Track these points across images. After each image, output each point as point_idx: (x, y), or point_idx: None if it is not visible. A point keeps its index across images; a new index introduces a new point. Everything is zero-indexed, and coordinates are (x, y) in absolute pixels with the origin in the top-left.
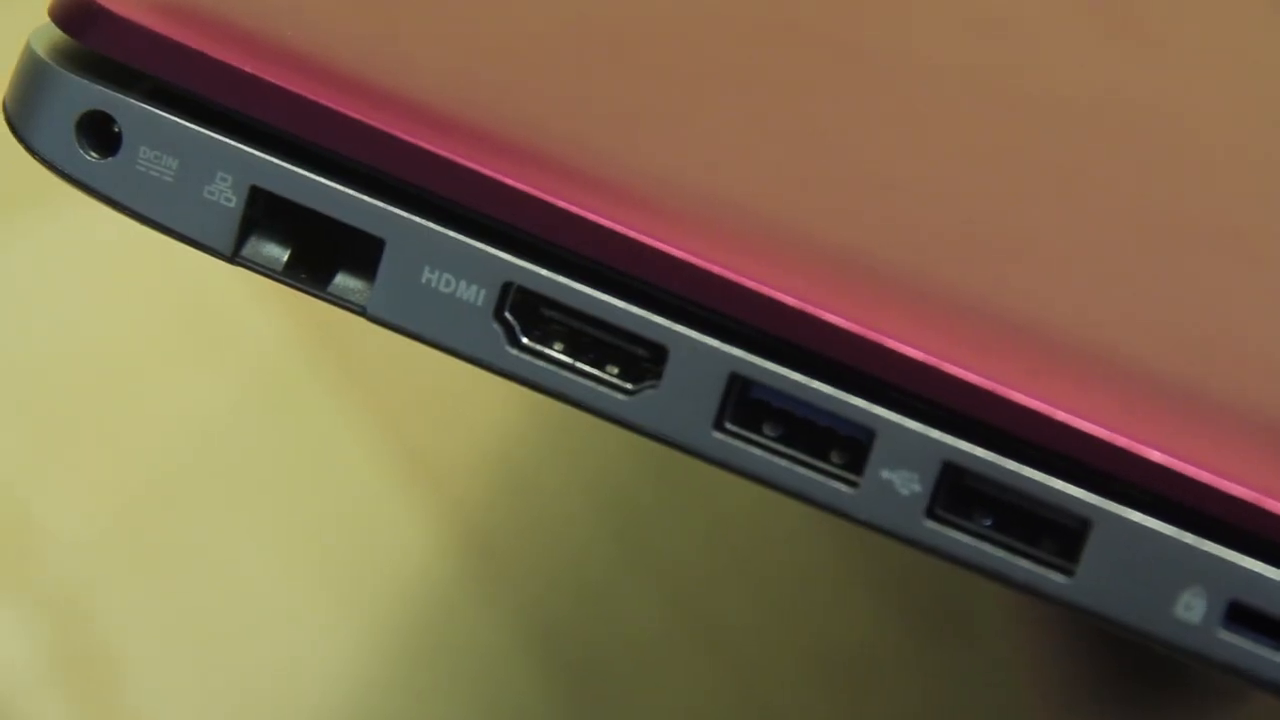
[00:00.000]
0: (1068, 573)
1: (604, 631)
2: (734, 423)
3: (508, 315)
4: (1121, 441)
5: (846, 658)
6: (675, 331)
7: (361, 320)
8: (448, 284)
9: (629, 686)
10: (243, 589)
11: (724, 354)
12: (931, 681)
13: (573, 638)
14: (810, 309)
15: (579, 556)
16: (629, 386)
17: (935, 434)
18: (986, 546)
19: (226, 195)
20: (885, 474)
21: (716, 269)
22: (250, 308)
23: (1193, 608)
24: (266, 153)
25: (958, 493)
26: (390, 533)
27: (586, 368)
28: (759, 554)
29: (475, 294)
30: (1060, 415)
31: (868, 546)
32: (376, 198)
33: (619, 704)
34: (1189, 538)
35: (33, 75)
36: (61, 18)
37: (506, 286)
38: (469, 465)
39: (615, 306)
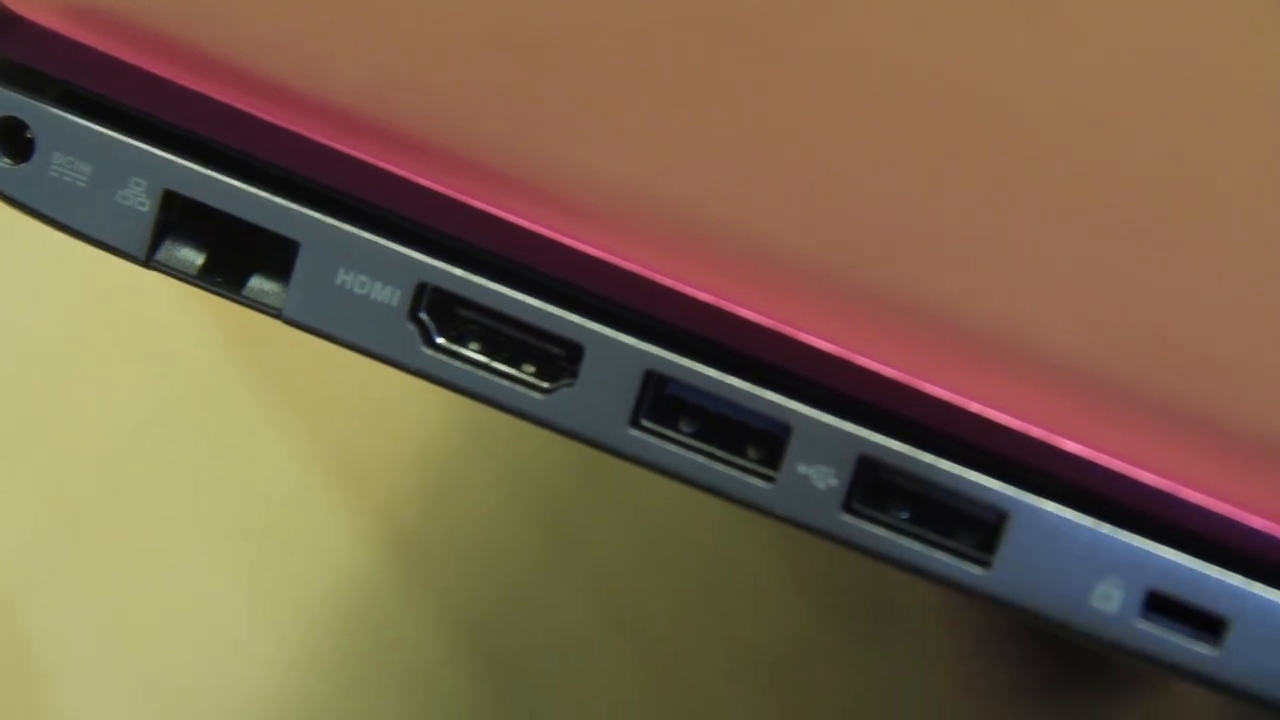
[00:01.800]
0: (985, 565)
1: (532, 629)
2: (650, 420)
3: (422, 315)
4: (1036, 432)
5: (776, 653)
6: (590, 330)
7: None
8: (362, 285)
9: (558, 684)
10: (169, 590)
11: (639, 351)
12: (861, 676)
13: (501, 635)
14: (724, 305)
15: (506, 554)
16: (545, 385)
17: (850, 428)
18: (903, 540)
19: (140, 200)
20: (801, 469)
21: (630, 266)
22: (174, 309)
23: (1110, 598)
24: (179, 157)
25: (874, 486)
26: (316, 532)
27: (502, 367)
28: (688, 550)
29: (390, 295)
30: (974, 407)
31: (797, 542)
32: (290, 200)
33: (548, 701)
34: (1105, 528)
35: None
36: None
37: (421, 287)
38: (394, 464)
39: (529, 305)
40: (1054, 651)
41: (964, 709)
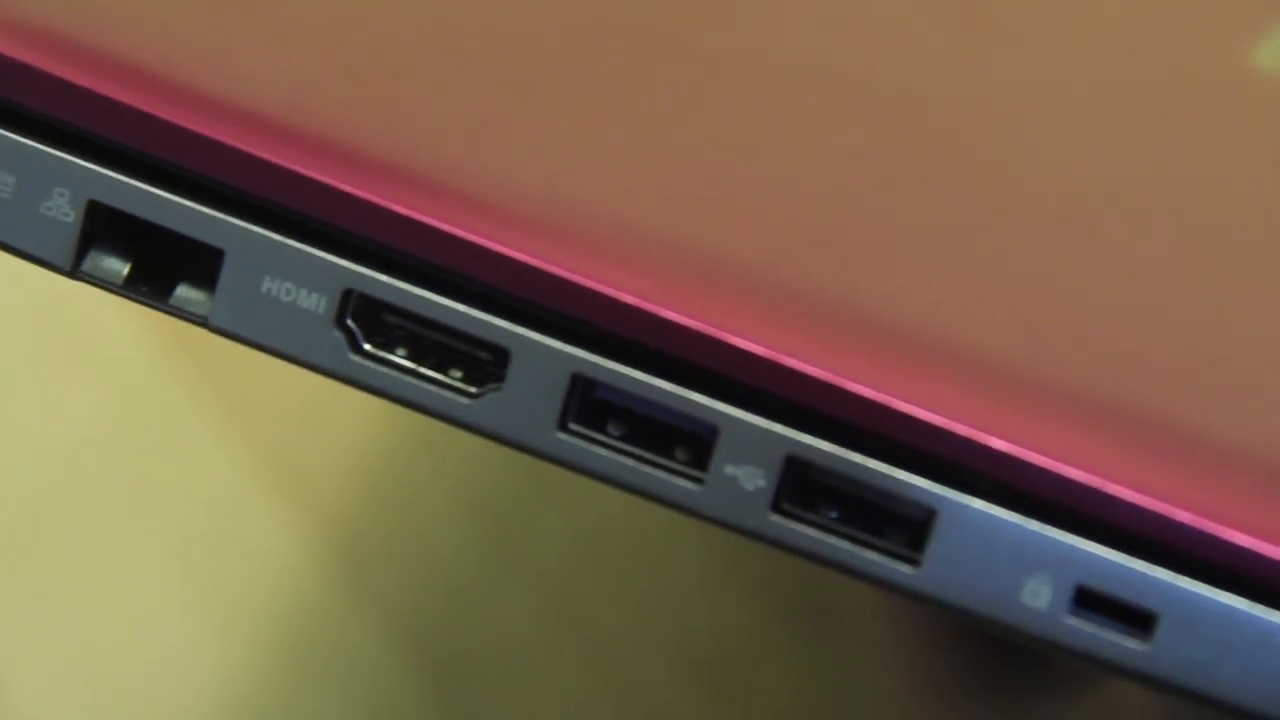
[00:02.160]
0: (914, 563)
1: (476, 633)
2: (578, 423)
3: (349, 322)
4: (963, 430)
5: (721, 656)
6: (516, 334)
7: None
8: (288, 293)
9: (502, 688)
10: (112, 597)
11: (566, 355)
12: (806, 677)
13: (445, 639)
14: (650, 307)
15: (449, 559)
16: (472, 390)
17: (778, 429)
18: (833, 539)
19: (64, 210)
20: (730, 470)
21: (555, 270)
22: (110, 317)
23: (1039, 594)
24: (103, 167)
25: (803, 486)
26: (258, 538)
27: (429, 372)
28: (633, 553)
29: (316, 302)
30: (901, 406)
31: (741, 544)
32: (214, 209)
33: (492, 706)
34: (1034, 524)
35: None
36: None
37: (347, 293)
38: (335, 470)
39: (455, 311)
40: (995, 648)
41: (907, 708)
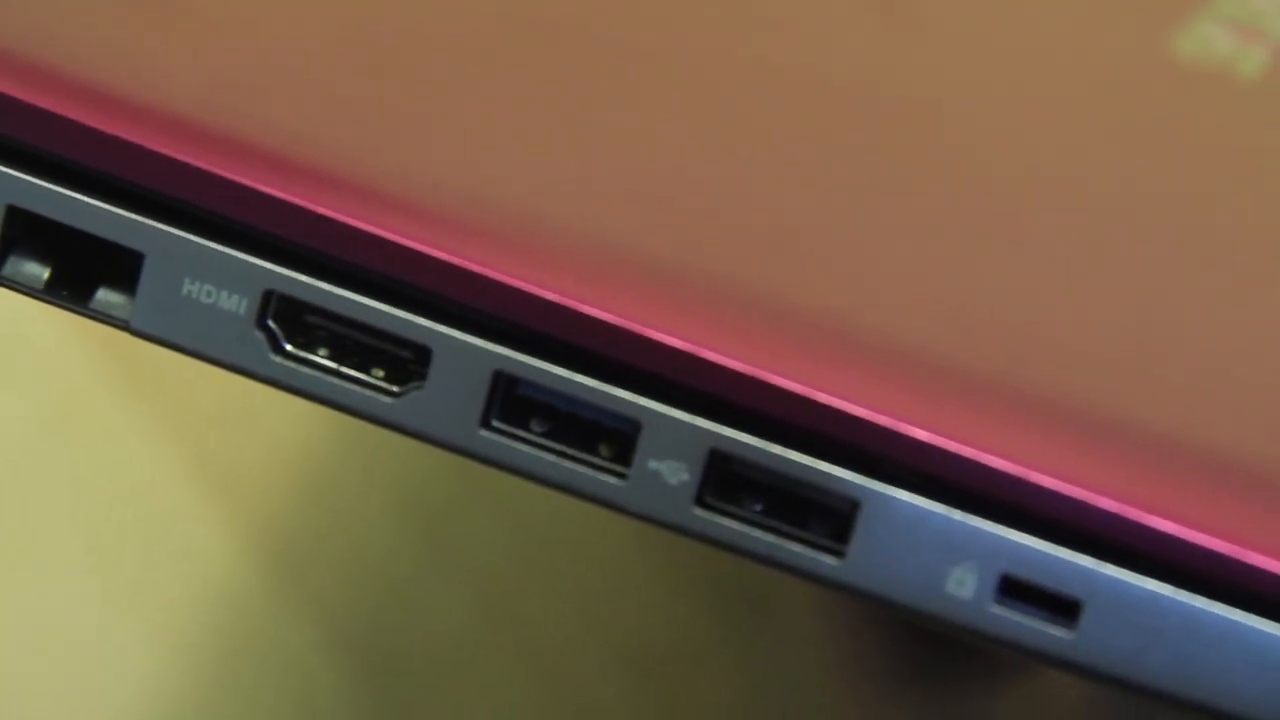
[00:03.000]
0: (839, 555)
1: (410, 633)
2: (501, 420)
3: (270, 323)
4: (885, 421)
5: (656, 652)
6: (437, 332)
7: None
8: (209, 295)
9: (435, 687)
10: (40, 602)
11: (487, 352)
12: (740, 670)
13: (377, 639)
14: (570, 303)
15: (382, 559)
16: (395, 389)
17: (701, 422)
18: (757, 532)
19: None
20: (653, 464)
21: (475, 267)
22: (36, 321)
23: (964, 584)
24: (22, 172)
25: (727, 480)
26: (189, 541)
27: (351, 372)
28: (566, 551)
29: (236, 303)
30: (823, 398)
31: (673, 538)
32: (134, 212)
33: (425, 705)
34: (958, 514)
35: None
36: None
37: (267, 295)
38: (265, 471)
39: (376, 310)
40: (928, 639)
41: (841, 700)
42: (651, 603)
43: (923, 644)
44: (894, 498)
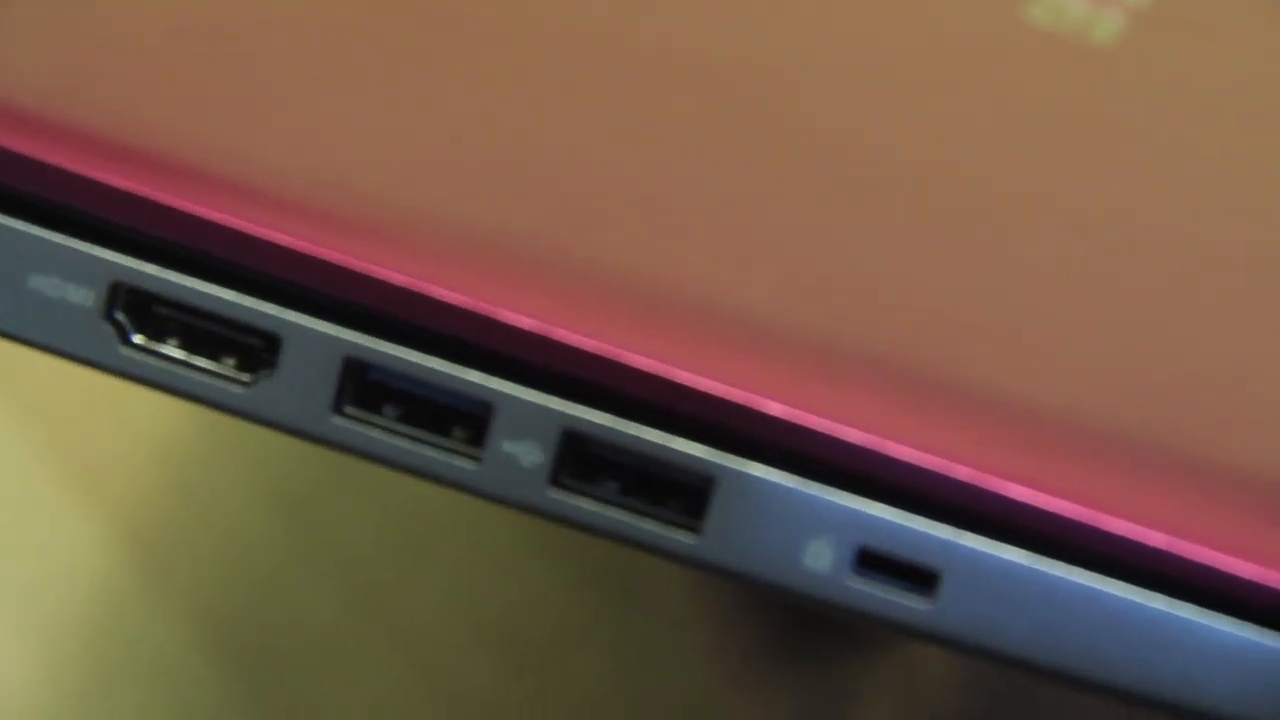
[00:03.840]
0: (695, 532)
1: (280, 624)
2: (353, 406)
3: (118, 315)
4: (739, 396)
5: (530, 638)
6: (286, 319)
7: None
8: (55, 288)
9: (308, 679)
10: None
11: (337, 338)
12: (613, 652)
13: (248, 632)
14: (418, 286)
15: (250, 550)
16: (245, 378)
17: (554, 403)
18: (613, 512)
19: None
20: (507, 446)
21: (322, 253)
22: None
23: (821, 557)
24: None
25: (581, 460)
26: (53, 535)
27: (202, 363)
28: (437, 538)
29: (84, 296)
30: (675, 374)
31: (547, 524)
32: None
33: (299, 697)
34: (813, 488)
35: None
36: None
37: (115, 286)
38: (130, 462)
39: (224, 299)
40: (801, 617)
41: (713, 679)
42: (524, 588)
43: (795, 623)
44: (748, 473)
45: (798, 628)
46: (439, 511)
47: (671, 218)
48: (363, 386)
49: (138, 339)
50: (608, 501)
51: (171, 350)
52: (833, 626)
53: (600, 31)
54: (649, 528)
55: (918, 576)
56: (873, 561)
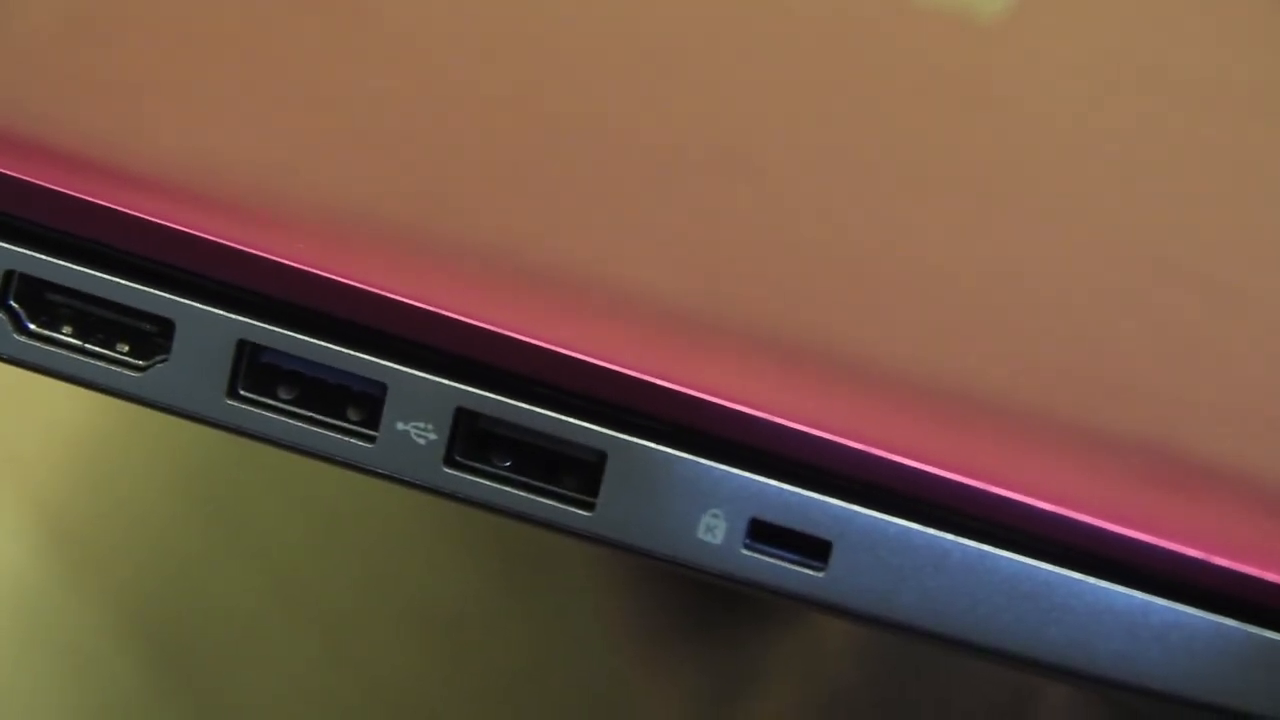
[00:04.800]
0: (589, 507)
1: (198, 610)
2: (248, 389)
3: (12, 303)
4: (626, 371)
5: (446, 619)
6: (178, 304)
7: None
8: None
9: (227, 664)
10: None
11: (229, 322)
12: (528, 630)
13: (166, 618)
14: (307, 268)
15: (170, 538)
16: (140, 364)
17: (446, 382)
18: (508, 488)
19: None
20: (400, 426)
21: (211, 236)
22: None
23: (714, 529)
24: None
25: (475, 438)
26: None
27: (96, 348)
28: (351, 520)
29: None
30: (564, 351)
31: (460, 506)
32: None
33: (219, 683)
34: (706, 462)
35: None
36: None
37: (8, 274)
38: (47, 453)
39: (115, 284)
40: (707, 591)
41: (624, 655)
42: (438, 568)
43: (704, 600)
44: (640, 447)
45: (706, 605)
46: (354, 497)
47: (558, 196)
48: (256, 369)
49: (33, 326)
50: (503, 479)
51: (66, 337)
52: (742, 602)
53: (496, 14)
54: (544, 503)
55: (810, 547)
56: (765, 533)
